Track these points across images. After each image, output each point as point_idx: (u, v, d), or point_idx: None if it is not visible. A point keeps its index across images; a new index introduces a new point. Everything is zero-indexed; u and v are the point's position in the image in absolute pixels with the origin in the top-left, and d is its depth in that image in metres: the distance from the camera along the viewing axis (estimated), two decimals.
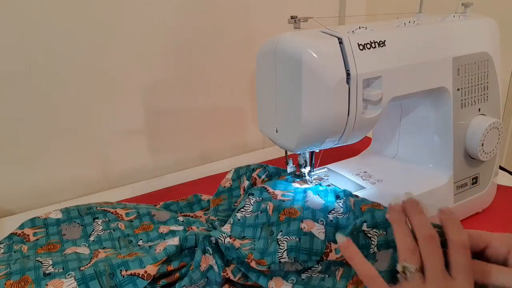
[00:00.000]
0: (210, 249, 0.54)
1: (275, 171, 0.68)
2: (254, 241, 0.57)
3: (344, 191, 0.60)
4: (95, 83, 0.81)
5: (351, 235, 0.50)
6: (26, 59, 0.74)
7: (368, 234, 0.51)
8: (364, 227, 0.51)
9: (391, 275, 0.44)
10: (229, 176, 0.73)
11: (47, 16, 0.73)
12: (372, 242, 0.50)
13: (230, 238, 0.55)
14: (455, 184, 0.67)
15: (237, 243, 0.55)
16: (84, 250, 0.59)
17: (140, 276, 0.51)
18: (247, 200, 0.62)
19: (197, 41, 0.89)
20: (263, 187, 0.63)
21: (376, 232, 0.51)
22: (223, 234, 0.54)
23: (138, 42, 0.83)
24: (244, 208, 0.61)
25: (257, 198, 0.62)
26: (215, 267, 0.54)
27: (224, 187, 0.73)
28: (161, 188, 0.85)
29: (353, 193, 0.64)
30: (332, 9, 1.08)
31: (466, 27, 0.65)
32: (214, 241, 0.54)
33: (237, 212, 0.61)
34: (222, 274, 0.53)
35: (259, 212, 0.60)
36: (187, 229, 0.63)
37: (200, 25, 0.88)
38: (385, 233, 0.50)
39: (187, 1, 0.85)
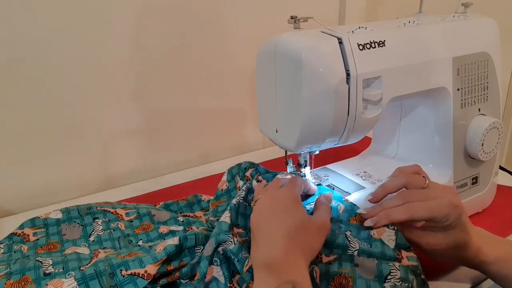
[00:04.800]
0: (218, 260, 0.52)
1: (265, 172, 0.68)
2: (247, 231, 0.57)
3: (335, 193, 0.61)
4: (95, 83, 0.81)
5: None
6: (26, 60, 0.74)
7: (348, 238, 0.53)
8: (348, 234, 0.54)
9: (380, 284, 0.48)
10: (224, 178, 0.73)
11: (47, 14, 0.73)
12: (352, 246, 0.52)
13: (235, 237, 0.54)
14: (455, 184, 0.67)
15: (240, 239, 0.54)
16: (84, 250, 0.59)
17: (140, 276, 0.51)
18: (244, 188, 0.62)
19: (197, 41, 0.89)
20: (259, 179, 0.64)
21: (358, 241, 0.53)
22: (229, 236, 0.52)
23: (138, 42, 0.83)
24: (238, 194, 0.61)
25: (249, 185, 0.62)
26: (221, 279, 0.52)
27: (222, 190, 0.73)
28: (161, 188, 0.85)
29: (352, 193, 0.64)
30: (332, 9, 1.07)
31: (466, 27, 0.65)
32: (221, 252, 0.53)
33: (233, 199, 0.61)
34: (228, 285, 0.52)
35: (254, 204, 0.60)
36: (187, 229, 0.63)
37: (200, 24, 0.88)
38: (369, 246, 0.52)
39: (187, 1, 0.85)
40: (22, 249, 0.60)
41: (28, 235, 0.62)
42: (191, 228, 0.63)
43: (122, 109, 0.86)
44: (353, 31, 0.55)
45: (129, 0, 0.79)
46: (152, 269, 0.51)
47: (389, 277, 0.49)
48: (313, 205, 0.58)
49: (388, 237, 0.52)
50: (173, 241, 0.55)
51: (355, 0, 1.08)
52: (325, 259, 0.53)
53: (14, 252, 0.59)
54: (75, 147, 0.83)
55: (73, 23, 0.76)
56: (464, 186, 0.68)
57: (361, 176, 0.69)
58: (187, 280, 0.55)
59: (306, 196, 0.62)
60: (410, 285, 0.48)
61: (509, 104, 1.05)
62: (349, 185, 0.67)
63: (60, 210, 0.66)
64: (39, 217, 0.65)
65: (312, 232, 0.50)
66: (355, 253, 0.52)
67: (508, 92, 1.05)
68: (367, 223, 0.53)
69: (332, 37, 0.54)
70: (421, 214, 0.51)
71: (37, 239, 0.62)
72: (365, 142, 0.72)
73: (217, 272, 0.52)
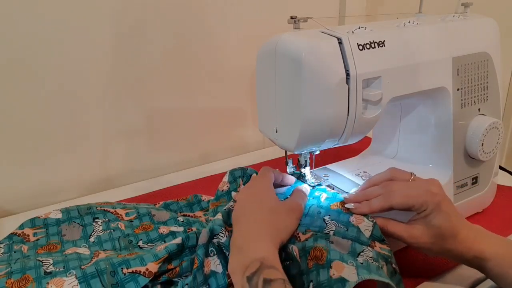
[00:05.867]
0: (214, 250, 0.53)
1: None
2: None
3: (320, 187, 0.64)
4: (95, 83, 0.81)
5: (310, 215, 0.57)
6: (26, 60, 0.74)
7: (326, 222, 0.55)
8: (326, 218, 0.56)
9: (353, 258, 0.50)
10: (225, 179, 0.73)
11: (47, 14, 0.73)
12: (328, 227, 0.55)
13: (227, 230, 0.55)
14: (455, 184, 0.67)
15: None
16: (84, 251, 0.59)
17: (142, 273, 0.51)
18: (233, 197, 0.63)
19: (197, 40, 0.89)
20: None
21: (335, 224, 0.55)
22: (222, 229, 0.54)
23: (138, 42, 0.83)
24: (229, 203, 0.61)
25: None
26: (219, 268, 0.53)
27: (222, 190, 0.73)
28: (161, 188, 0.85)
29: (351, 192, 0.64)
30: (332, 9, 1.08)
31: (466, 27, 0.65)
32: (216, 244, 0.53)
33: (225, 207, 0.61)
34: (226, 273, 0.52)
35: None
36: (187, 230, 0.63)
37: (200, 24, 0.88)
38: (345, 229, 0.54)
39: (187, 1, 0.85)
40: (22, 249, 0.60)
41: (28, 235, 0.62)
42: (192, 229, 0.63)
43: (122, 109, 0.86)
44: (353, 31, 0.55)
45: (129, 0, 0.79)
46: (153, 267, 0.52)
47: (362, 253, 0.50)
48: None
49: (365, 227, 0.53)
50: (175, 240, 0.55)
51: (355, 0, 1.08)
52: (302, 237, 0.54)
53: (14, 252, 0.59)
54: (75, 147, 0.83)
55: (73, 23, 0.76)
56: (464, 186, 0.68)
57: (361, 176, 0.69)
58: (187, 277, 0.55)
59: (281, 185, 0.64)
60: (380, 266, 0.49)
61: (509, 104, 1.05)
62: (349, 185, 0.67)
63: (60, 210, 0.66)
64: (39, 217, 0.65)
65: (282, 214, 0.54)
66: (331, 233, 0.54)
67: (508, 92, 1.05)
68: (348, 205, 0.56)
69: (332, 37, 0.54)
70: (398, 201, 0.53)
71: (37, 239, 0.62)
72: (365, 142, 0.73)
73: (214, 263, 0.53)
